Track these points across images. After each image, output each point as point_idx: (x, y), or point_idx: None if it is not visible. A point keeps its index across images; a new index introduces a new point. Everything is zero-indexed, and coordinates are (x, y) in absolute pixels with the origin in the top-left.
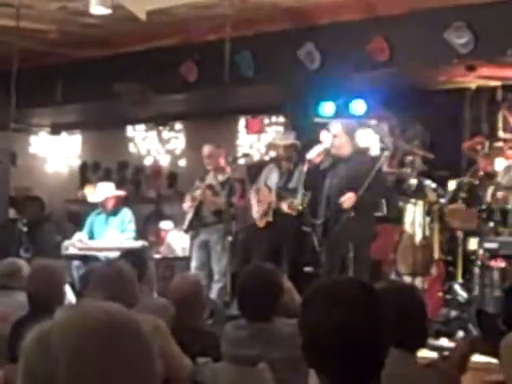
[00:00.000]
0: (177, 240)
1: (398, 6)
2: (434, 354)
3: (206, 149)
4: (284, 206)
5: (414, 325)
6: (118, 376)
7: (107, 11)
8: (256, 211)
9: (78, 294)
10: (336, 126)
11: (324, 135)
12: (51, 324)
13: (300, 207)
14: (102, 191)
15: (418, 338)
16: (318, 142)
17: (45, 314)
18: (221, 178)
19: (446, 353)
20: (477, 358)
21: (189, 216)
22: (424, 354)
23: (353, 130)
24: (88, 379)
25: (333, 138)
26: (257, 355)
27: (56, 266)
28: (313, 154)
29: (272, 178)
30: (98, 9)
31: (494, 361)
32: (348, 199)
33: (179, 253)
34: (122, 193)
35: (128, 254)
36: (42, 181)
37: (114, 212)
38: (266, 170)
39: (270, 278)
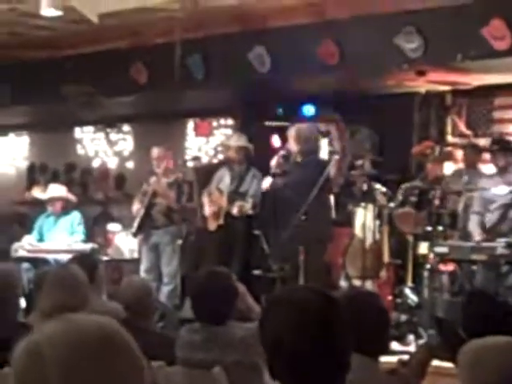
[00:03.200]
0: (125, 242)
1: (349, 11)
2: (385, 358)
3: (155, 151)
4: (234, 210)
5: (374, 331)
6: None
7: (58, 13)
8: (207, 214)
9: (29, 296)
10: (290, 131)
11: (275, 139)
12: (41, 335)
13: (250, 211)
14: (53, 191)
15: (380, 343)
16: (269, 146)
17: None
18: (169, 179)
19: (405, 358)
20: (436, 362)
21: (138, 219)
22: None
23: (305, 136)
24: None
25: (289, 143)
26: (211, 359)
27: (11, 269)
28: (273, 167)
29: (224, 181)
30: (48, 11)
31: (453, 366)
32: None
33: (127, 255)
34: (72, 197)
35: (79, 256)
36: None
37: (63, 214)
38: (218, 174)
39: (225, 281)
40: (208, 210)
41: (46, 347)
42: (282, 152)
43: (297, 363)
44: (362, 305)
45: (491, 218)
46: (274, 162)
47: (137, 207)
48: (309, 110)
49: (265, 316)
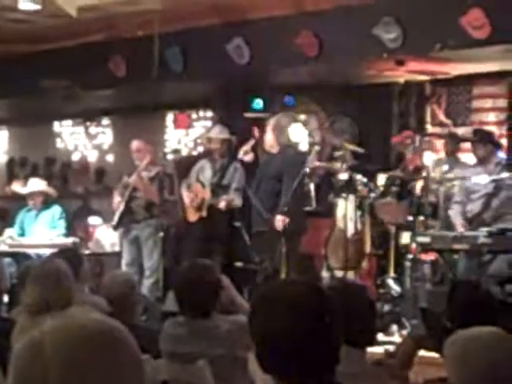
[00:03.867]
0: (105, 236)
1: (327, 2)
2: (371, 349)
3: (135, 144)
4: (222, 204)
5: (362, 322)
6: (109, 383)
7: (36, 7)
8: (188, 206)
9: (12, 291)
10: (269, 122)
11: (255, 131)
12: (42, 332)
13: (238, 205)
14: (33, 185)
15: (367, 335)
16: (249, 137)
17: None
18: (150, 173)
19: (390, 348)
20: (422, 353)
21: (118, 212)
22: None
23: (284, 126)
24: None
25: (268, 133)
26: (196, 352)
27: None
28: (241, 154)
29: (205, 173)
30: (27, 4)
31: (439, 356)
32: (278, 222)
33: (108, 249)
34: (52, 191)
35: (63, 251)
36: None
37: (44, 208)
38: (197, 166)
39: (209, 274)
40: (188, 201)
41: (47, 344)
42: (252, 141)
43: (289, 357)
44: (349, 296)
45: (473, 208)
46: (243, 148)
47: (117, 201)
48: (288, 100)
49: (255, 311)
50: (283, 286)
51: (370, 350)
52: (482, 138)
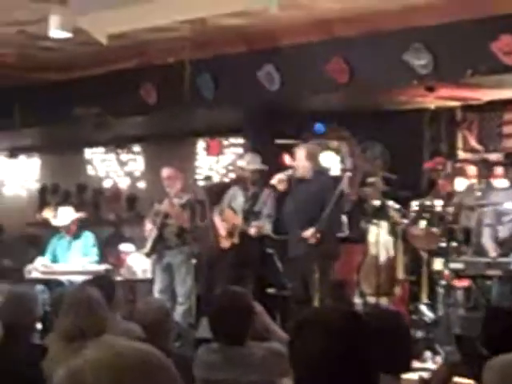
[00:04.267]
0: (137, 262)
1: (357, 28)
2: (405, 376)
3: (165, 171)
4: (252, 231)
5: (397, 349)
6: None
7: (67, 35)
8: (220, 233)
9: (45, 318)
10: (299, 151)
11: (285, 157)
12: (83, 361)
13: (268, 232)
14: (64, 215)
15: (402, 361)
16: (279, 164)
17: (17, 340)
18: (181, 200)
19: (425, 375)
20: (457, 379)
21: (150, 239)
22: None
23: (316, 154)
24: None
25: (296, 162)
26: (230, 379)
27: (30, 292)
28: (275, 180)
29: (237, 200)
30: (57, 32)
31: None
32: (310, 236)
33: (140, 275)
34: (82, 214)
35: (97, 278)
36: (1, 204)
37: (76, 236)
38: (230, 193)
39: (242, 301)
40: (221, 228)
41: (88, 372)
42: (289, 171)
43: (327, 382)
44: (384, 322)
45: (504, 231)
46: (277, 176)
47: (149, 228)
48: (318, 128)
49: (295, 336)
50: (322, 311)
51: (404, 376)
52: None
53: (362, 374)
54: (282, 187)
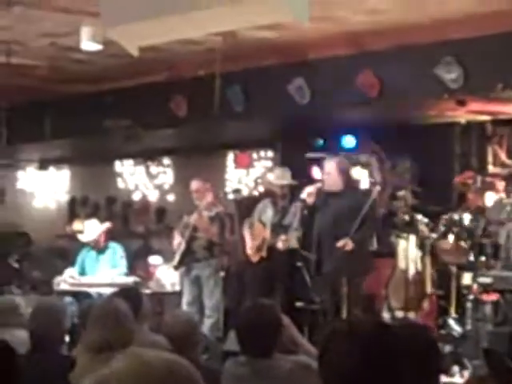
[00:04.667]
0: (166, 275)
1: (387, 41)
2: None
3: (194, 184)
4: (279, 244)
5: (428, 364)
6: None
7: (98, 47)
8: (250, 246)
9: (73, 330)
10: (329, 164)
11: (315, 171)
12: (109, 371)
13: (295, 245)
14: (91, 229)
15: (433, 377)
16: (309, 178)
17: (45, 352)
18: (210, 212)
19: None
20: None
21: (178, 252)
22: None
23: (346, 168)
24: None
25: (325, 176)
26: None
27: (58, 304)
28: (305, 194)
29: (267, 214)
30: (88, 44)
31: None
32: (345, 245)
33: (169, 288)
34: (108, 225)
35: (124, 290)
36: (31, 216)
37: (105, 248)
38: (260, 206)
39: (270, 314)
40: (250, 242)
41: (114, 382)
42: (318, 184)
43: None
44: (412, 337)
45: None
46: (308, 189)
47: (177, 241)
48: (349, 141)
49: (326, 348)
50: (353, 322)
51: None
52: None
53: None
54: (311, 200)
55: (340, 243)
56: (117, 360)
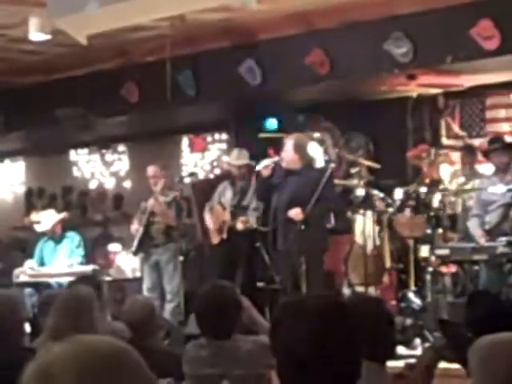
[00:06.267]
0: (126, 262)
1: (336, 19)
2: (393, 363)
3: (150, 169)
4: (239, 225)
5: (383, 336)
6: None
7: (47, 37)
8: (210, 229)
9: (34, 321)
10: (288, 141)
11: (270, 150)
12: (51, 355)
13: (255, 225)
14: (47, 219)
15: (387, 349)
16: (264, 157)
17: (3, 343)
18: (167, 197)
19: (412, 361)
20: (443, 364)
21: (137, 238)
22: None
23: (304, 145)
24: None
25: (283, 153)
26: (219, 373)
27: (15, 295)
28: (261, 166)
29: (226, 195)
30: (37, 35)
31: (460, 367)
32: (295, 214)
33: (129, 274)
34: (64, 214)
35: (81, 279)
36: None
37: (63, 237)
38: (219, 189)
39: (228, 295)
40: (211, 225)
41: (56, 367)
42: (275, 158)
43: (310, 371)
44: (366, 311)
45: (491, 219)
46: (265, 162)
47: (135, 227)
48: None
49: (276, 325)
50: (303, 299)
51: (391, 363)
52: (506, 146)
53: (347, 361)
54: (266, 173)
55: (291, 212)
56: (59, 346)
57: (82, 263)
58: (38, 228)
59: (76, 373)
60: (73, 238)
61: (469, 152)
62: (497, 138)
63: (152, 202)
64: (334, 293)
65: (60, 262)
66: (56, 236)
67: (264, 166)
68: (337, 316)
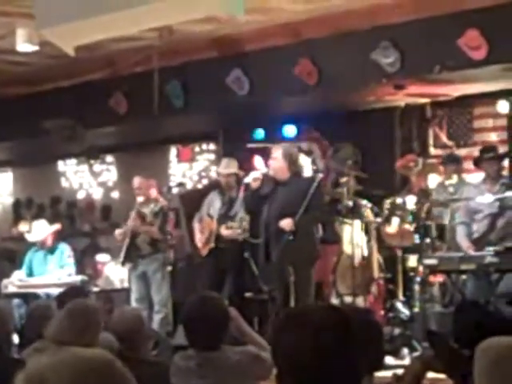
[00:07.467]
0: (114, 272)
1: (324, 29)
2: (380, 373)
3: (136, 180)
4: (223, 231)
5: (372, 347)
6: None
7: (34, 48)
8: (199, 240)
9: (21, 332)
10: (276, 150)
11: (258, 160)
12: (42, 364)
13: (238, 230)
14: (39, 229)
15: (376, 359)
16: (252, 168)
17: None
18: (153, 208)
19: (399, 372)
20: (431, 375)
21: (123, 249)
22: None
23: (293, 155)
24: None
25: (272, 160)
26: None
27: (2, 306)
28: (250, 179)
29: (215, 205)
30: (24, 46)
31: (446, 378)
32: (286, 224)
33: (117, 285)
34: (57, 226)
35: (70, 289)
36: None
37: (52, 248)
38: (208, 199)
39: (216, 306)
40: (200, 236)
41: (50, 374)
42: (265, 170)
43: (312, 381)
44: (354, 321)
45: (479, 228)
46: (254, 174)
47: (120, 231)
48: (290, 129)
49: (278, 335)
50: (306, 309)
51: (379, 374)
52: (499, 155)
53: (346, 371)
54: (255, 185)
55: (282, 222)
56: (47, 355)
57: (70, 274)
58: (30, 237)
59: (69, 381)
60: (63, 249)
61: (452, 161)
62: (490, 147)
63: (131, 222)
64: (323, 303)
65: (50, 272)
66: (46, 247)
67: (253, 178)
68: (334, 325)
